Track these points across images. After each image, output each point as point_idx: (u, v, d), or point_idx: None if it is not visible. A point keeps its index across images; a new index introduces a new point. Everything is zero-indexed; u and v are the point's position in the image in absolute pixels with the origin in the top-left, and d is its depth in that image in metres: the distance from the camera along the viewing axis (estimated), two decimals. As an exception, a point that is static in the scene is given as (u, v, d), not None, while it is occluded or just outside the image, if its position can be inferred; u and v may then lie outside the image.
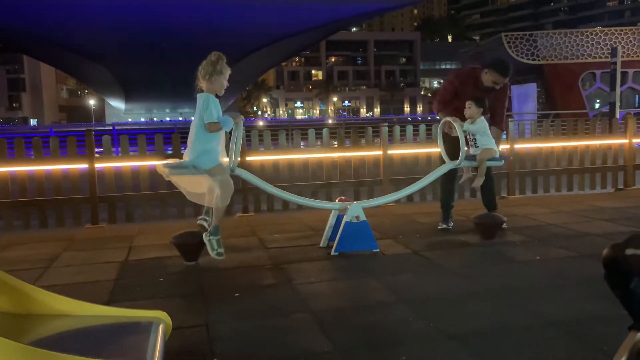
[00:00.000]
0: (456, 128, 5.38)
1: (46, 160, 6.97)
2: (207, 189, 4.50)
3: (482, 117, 5.46)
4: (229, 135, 4.80)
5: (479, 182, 5.58)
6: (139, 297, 4.03)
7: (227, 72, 4.59)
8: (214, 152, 4.54)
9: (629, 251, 1.27)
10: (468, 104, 5.46)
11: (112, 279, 4.51)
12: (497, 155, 5.61)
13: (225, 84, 4.60)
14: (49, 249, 5.63)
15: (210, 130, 4.44)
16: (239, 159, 4.87)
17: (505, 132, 9.10)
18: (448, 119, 5.51)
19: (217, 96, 4.57)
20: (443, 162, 5.78)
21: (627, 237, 1.34)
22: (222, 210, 4.58)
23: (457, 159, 5.50)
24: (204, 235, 4.63)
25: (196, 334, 3.33)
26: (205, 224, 4.76)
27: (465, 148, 5.41)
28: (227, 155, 4.78)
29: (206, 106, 4.43)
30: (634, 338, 1.30)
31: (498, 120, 5.81)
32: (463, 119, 5.51)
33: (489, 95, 5.62)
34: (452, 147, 5.68)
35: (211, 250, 4.58)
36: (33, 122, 79.08)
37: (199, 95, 4.54)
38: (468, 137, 5.51)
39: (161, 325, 2.69)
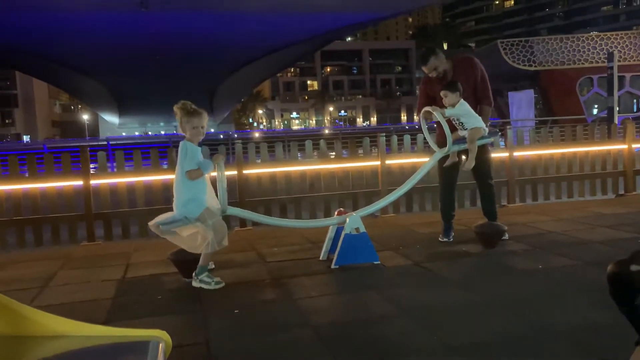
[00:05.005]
0: (436, 116, 5.37)
1: (41, 178, 6.90)
2: (201, 237, 4.49)
3: (462, 100, 5.40)
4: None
5: (470, 164, 5.45)
6: (137, 315, 3.97)
7: (195, 118, 4.42)
8: (200, 198, 4.45)
9: (634, 267, 1.24)
10: (442, 93, 5.43)
11: (109, 298, 4.45)
12: (486, 134, 5.56)
13: (200, 130, 4.44)
14: (44, 268, 5.56)
15: (191, 177, 4.39)
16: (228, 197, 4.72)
17: (503, 139, 9.08)
18: (427, 108, 5.48)
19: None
20: (441, 167, 5.78)
21: (631, 253, 1.31)
22: (212, 254, 4.54)
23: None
24: (192, 282, 4.58)
25: (197, 351, 3.28)
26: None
27: (451, 132, 5.40)
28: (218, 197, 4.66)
29: (184, 155, 4.39)
30: None
31: (484, 98, 5.72)
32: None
33: (462, 80, 5.55)
34: (440, 136, 5.71)
35: (208, 286, 4.52)
36: (26, 138, 79.00)
37: (179, 144, 4.48)
38: (454, 122, 5.48)
39: (161, 345, 2.62)
